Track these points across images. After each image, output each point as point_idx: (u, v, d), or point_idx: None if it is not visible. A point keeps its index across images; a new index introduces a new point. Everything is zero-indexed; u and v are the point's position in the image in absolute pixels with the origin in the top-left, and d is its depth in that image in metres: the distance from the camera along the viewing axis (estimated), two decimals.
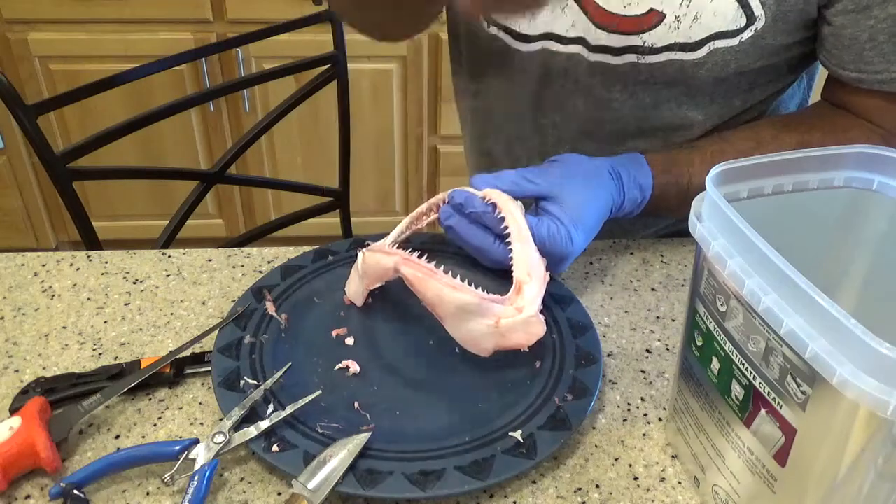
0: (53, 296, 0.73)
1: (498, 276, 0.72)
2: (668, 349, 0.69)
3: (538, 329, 0.60)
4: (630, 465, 0.58)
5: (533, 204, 0.70)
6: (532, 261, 0.62)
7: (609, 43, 0.75)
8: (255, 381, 0.61)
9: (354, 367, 0.64)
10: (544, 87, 0.80)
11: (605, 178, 0.70)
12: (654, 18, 0.72)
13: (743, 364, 0.47)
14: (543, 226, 0.65)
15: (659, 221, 0.89)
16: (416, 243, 0.76)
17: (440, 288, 0.61)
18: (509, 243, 0.64)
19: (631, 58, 0.74)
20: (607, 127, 0.80)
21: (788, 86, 0.83)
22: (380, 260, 0.65)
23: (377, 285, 0.68)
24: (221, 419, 0.57)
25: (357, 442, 0.55)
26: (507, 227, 0.64)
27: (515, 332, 0.59)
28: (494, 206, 0.65)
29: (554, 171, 0.69)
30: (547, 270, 0.64)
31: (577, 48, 0.77)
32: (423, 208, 0.72)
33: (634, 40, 0.73)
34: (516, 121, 0.85)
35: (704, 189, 0.49)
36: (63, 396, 0.61)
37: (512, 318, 0.59)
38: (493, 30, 0.81)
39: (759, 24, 0.70)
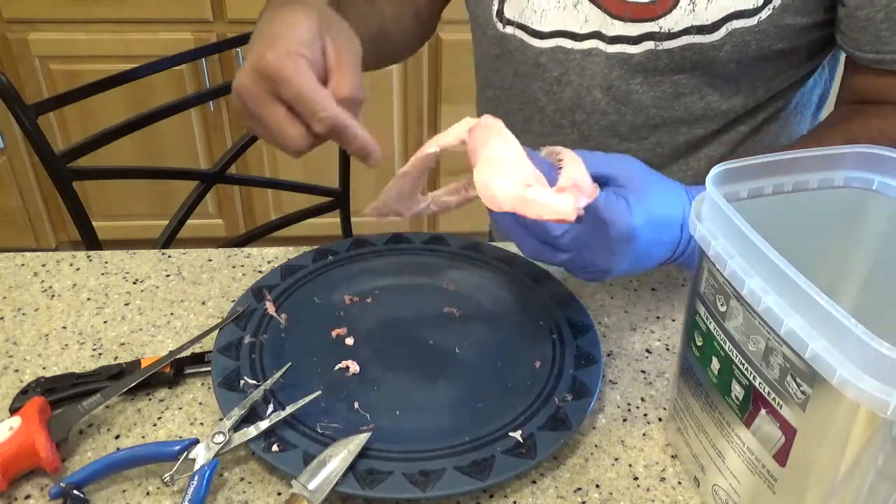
0: (53, 296, 0.73)
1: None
2: (668, 349, 0.68)
3: (566, 206, 0.50)
4: (630, 465, 0.58)
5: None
6: (580, 179, 0.53)
7: (625, 32, 0.75)
8: (255, 381, 0.61)
9: (354, 367, 0.64)
10: (563, 84, 0.80)
11: (680, 189, 0.62)
12: (668, 2, 0.72)
13: (743, 364, 0.47)
14: (602, 194, 0.56)
15: None
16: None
17: (500, 141, 0.53)
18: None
19: (649, 45, 0.74)
20: (629, 120, 0.80)
21: (811, 73, 0.82)
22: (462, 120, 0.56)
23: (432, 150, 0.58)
24: (221, 419, 0.57)
25: (357, 442, 0.55)
26: (560, 158, 0.56)
27: (540, 203, 0.51)
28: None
29: (626, 159, 0.62)
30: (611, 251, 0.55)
31: (593, 43, 0.77)
32: None
33: (651, 27, 0.73)
34: (537, 121, 0.85)
35: None
36: (63, 396, 0.61)
37: (545, 189, 0.51)
38: (510, 29, 0.81)
39: (776, 2, 0.69)
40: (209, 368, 0.62)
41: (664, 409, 0.63)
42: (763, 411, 0.46)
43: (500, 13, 0.82)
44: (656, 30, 0.73)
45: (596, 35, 0.76)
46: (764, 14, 0.70)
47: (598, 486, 0.56)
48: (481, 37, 0.86)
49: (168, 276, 0.76)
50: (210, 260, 0.78)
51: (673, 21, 0.72)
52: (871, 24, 0.68)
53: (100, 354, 0.67)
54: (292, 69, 0.55)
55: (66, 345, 0.68)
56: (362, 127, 0.57)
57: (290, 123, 0.56)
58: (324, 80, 0.58)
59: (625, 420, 0.62)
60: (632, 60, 0.75)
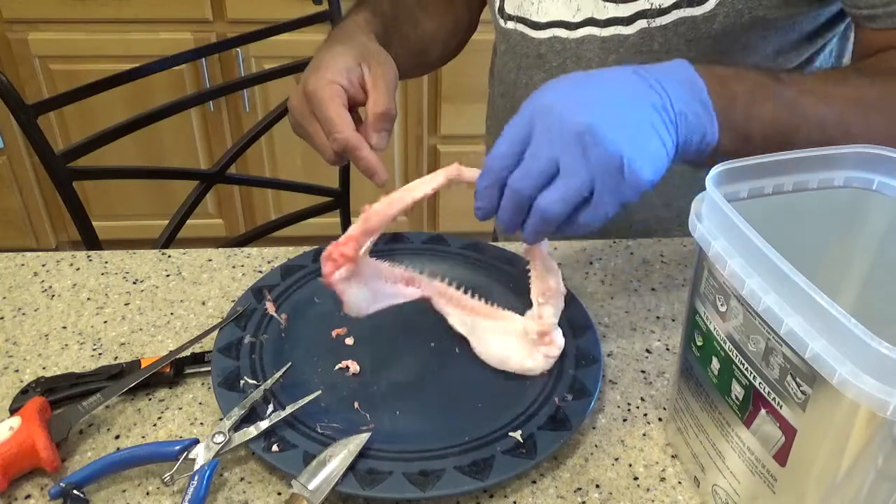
0: (53, 296, 0.73)
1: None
2: (668, 349, 0.68)
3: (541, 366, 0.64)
4: (630, 465, 0.58)
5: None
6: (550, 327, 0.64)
7: (618, 14, 0.76)
8: (255, 381, 0.61)
9: (354, 367, 0.64)
10: (563, 73, 0.81)
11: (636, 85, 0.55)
12: None
13: (743, 364, 0.47)
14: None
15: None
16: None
17: (477, 319, 0.66)
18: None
19: (642, 23, 0.75)
20: None
21: (816, 55, 0.82)
22: (402, 291, 0.65)
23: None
24: (221, 419, 0.57)
25: (357, 442, 0.55)
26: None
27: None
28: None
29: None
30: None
31: (587, 30, 0.78)
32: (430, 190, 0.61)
33: (642, 4, 0.74)
34: None
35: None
36: (63, 396, 0.61)
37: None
38: (511, 24, 0.83)
39: None
40: (209, 368, 0.62)
41: (664, 409, 0.63)
42: (763, 411, 0.46)
43: (501, 9, 0.84)
44: (647, 6, 0.74)
45: (590, 22, 0.77)
46: None
47: (598, 486, 0.56)
48: (495, 35, 0.88)
49: (168, 276, 0.76)
50: (210, 260, 0.78)
51: None
52: None
53: (100, 354, 0.67)
54: (326, 94, 0.65)
55: (66, 345, 0.68)
56: (373, 152, 0.66)
57: (326, 138, 0.66)
58: (362, 100, 0.68)
59: (625, 420, 0.62)
60: (626, 42, 0.76)
